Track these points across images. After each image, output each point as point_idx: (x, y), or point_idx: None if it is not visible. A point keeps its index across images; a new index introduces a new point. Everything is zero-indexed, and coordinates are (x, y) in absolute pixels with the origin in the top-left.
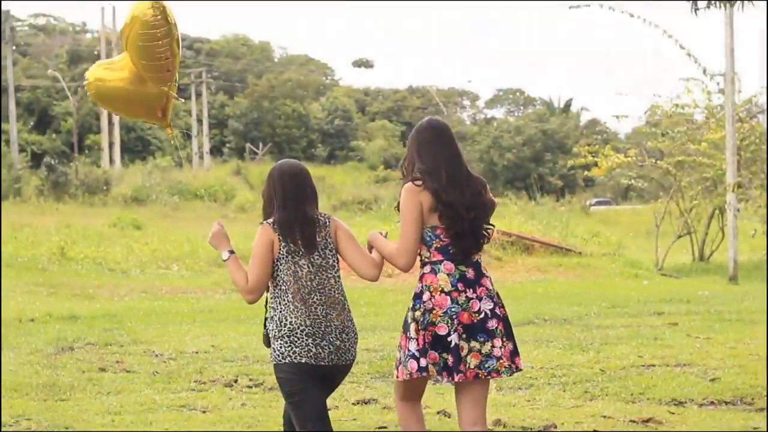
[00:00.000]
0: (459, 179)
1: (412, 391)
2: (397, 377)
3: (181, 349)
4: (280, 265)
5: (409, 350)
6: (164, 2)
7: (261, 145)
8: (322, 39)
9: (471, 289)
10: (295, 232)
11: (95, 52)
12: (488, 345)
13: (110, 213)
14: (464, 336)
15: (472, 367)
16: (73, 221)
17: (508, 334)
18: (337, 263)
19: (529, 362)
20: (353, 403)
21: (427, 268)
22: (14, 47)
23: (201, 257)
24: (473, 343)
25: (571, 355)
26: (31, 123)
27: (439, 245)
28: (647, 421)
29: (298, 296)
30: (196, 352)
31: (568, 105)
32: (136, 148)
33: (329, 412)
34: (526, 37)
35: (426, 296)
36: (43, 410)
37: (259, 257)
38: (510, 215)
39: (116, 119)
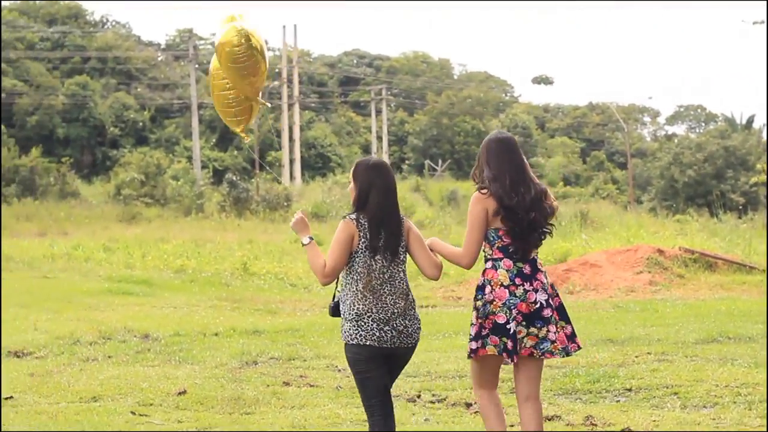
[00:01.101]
0: (520, 184)
1: (483, 378)
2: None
3: None
4: (357, 257)
5: (470, 334)
6: (249, 29)
7: (440, 161)
8: (502, 56)
9: (528, 283)
10: (381, 232)
11: (276, 70)
12: (544, 330)
13: (291, 229)
14: (523, 323)
15: (527, 346)
16: (254, 237)
17: (565, 320)
18: (406, 258)
19: (714, 381)
20: None
21: (489, 264)
22: (197, 66)
23: None
24: (531, 329)
25: (756, 374)
26: (213, 140)
27: (500, 245)
28: None
29: (369, 287)
30: None
31: (750, 121)
32: (317, 165)
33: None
34: (707, 53)
35: (487, 289)
36: (228, 423)
37: (339, 248)
38: (692, 232)
39: (297, 136)
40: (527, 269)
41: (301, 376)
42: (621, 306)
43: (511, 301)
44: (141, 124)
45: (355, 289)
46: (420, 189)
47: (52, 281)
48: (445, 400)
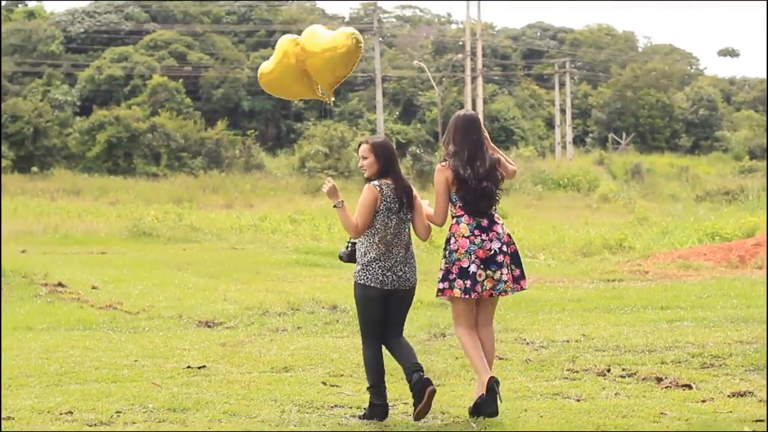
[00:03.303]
0: (476, 158)
1: (463, 318)
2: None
3: (551, 338)
4: (378, 216)
5: (438, 277)
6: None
7: (624, 135)
8: (687, 28)
9: (485, 234)
10: (402, 196)
11: (460, 43)
12: (498, 273)
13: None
14: (482, 266)
15: (487, 288)
16: None
17: (516, 263)
18: (412, 219)
19: None
20: (728, 396)
21: (454, 220)
22: (381, 39)
23: (567, 246)
24: (488, 272)
25: None
26: (397, 113)
27: (461, 205)
28: None
29: (383, 241)
30: (567, 341)
31: None
32: (500, 138)
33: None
34: None
35: (452, 240)
36: None
37: (366, 209)
38: None
39: (480, 109)
40: (485, 222)
41: None
42: None
43: (471, 248)
44: None
45: (371, 241)
46: (603, 162)
47: (240, 252)
48: (635, 374)
